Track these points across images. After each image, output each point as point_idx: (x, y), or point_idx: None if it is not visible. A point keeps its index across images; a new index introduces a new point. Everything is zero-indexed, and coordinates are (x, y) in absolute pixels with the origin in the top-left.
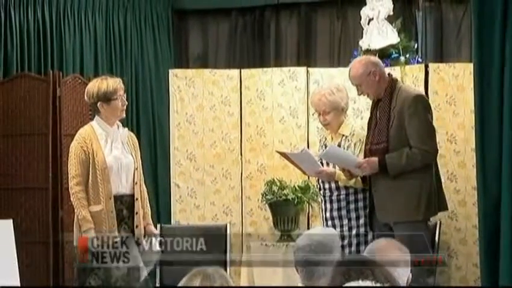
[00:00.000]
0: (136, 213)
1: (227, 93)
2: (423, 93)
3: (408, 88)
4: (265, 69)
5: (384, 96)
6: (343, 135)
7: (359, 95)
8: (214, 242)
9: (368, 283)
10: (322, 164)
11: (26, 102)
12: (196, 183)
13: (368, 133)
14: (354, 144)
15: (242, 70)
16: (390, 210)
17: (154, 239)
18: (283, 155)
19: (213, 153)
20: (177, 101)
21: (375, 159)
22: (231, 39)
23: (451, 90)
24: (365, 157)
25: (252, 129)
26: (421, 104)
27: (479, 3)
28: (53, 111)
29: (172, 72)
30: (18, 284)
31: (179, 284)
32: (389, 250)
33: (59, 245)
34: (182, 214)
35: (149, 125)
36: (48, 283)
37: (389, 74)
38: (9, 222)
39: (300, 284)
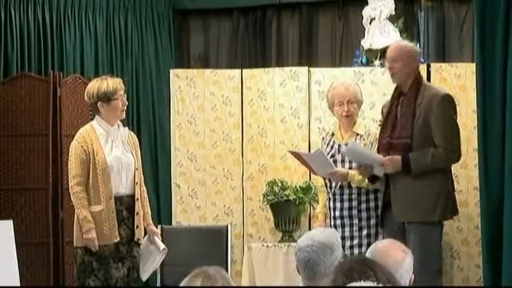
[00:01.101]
0: (137, 213)
1: (228, 93)
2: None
3: (435, 86)
4: (266, 69)
5: (410, 92)
6: (357, 134)
7: (388, 68)
8: (215, 242)
9: (369, 284)
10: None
11: (26, 103)
12: (197, 183)
13: (384, 126)
14: (371, 144)
15: (243, 70)
16: (407, 209)
17: (157, 238)
18: (296, 154)
19: (214, 154)
20: (178, 101)
21: (398, 157)
22: (232, 39)
23: (453, 90)
24: (378, 151)
25: (253, 129)
26: (449, 104)
27: (482, 3)
28: (53, 112)
29: (173, 72)
30: (19, 285)
31: (181, 285)
32: (391, 251)
33: (59, 245)
34: (183, 215)
35: (150, 125)
36: (49, 284)
37: (418, 71)
38: (9, 223)
39: (301, 285)
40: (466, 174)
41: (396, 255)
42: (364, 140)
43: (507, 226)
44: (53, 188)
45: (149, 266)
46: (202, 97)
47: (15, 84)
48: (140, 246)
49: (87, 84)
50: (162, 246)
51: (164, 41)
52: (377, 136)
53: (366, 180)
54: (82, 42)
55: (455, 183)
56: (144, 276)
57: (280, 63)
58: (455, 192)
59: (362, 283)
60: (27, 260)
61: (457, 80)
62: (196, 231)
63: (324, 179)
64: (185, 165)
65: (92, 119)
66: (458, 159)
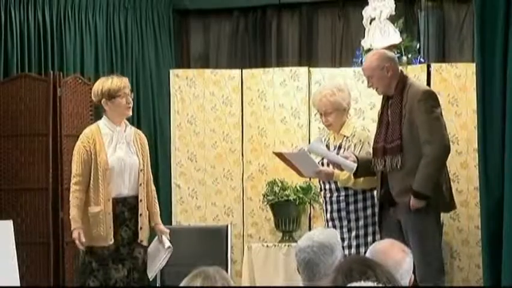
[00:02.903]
0: (140, 214)
1: (228, 93)
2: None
3: (418, 83)
4: (266, 69)
5: (396, 94)
6: (344, 135)
7: (368, 87)
8: (215, 242)
9: (369, 284)
10: (322, 164)
11: (26, 103)
12: (197, 183)
13: (378, 130)
14: (354, 145)
15: (243, 70)
16: (402, 205)
17: (164, 236)
18: (280, 155)
19: (214, 154)
20: (178, 101)
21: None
22: (232, 39)
23: (453, 91)
24: (373, 155)
25: (254, 129)
26: (430, 99)
27: (482, 3)
28: (53, 112)
29: (173, 72)
30: (18, 285)
31: (181, 285)
32: (391, 251)
33: (59, 245)
34: (183, 215)
35: (150, 125)
36: (49, 284)
37: (400, 70)
38: (9, 223)
39: (301, 285)
40: (466, 174)
41: (396, 255)
42: (349, 141)
43: (507, 226)
44: (53, 188)
45: (157, 264)
46: (202, 97)
47: (15, 84)
48: (150, 246)
49: (87, 84)
50: (167, 244)
51: (164, 41)
52: (361, 138)
53: (352, 180)
54: (82, 42)
55: (455, 183)
56: (149, 275)
57: (280, 63)
58: (451, 189)
59: (362, 283)
60: (27, 260)
61: (457, 80)
62: (196, 231)
63: (319, 181)
64: (185, 165)
65: (92, 119)
66: (448, 149)
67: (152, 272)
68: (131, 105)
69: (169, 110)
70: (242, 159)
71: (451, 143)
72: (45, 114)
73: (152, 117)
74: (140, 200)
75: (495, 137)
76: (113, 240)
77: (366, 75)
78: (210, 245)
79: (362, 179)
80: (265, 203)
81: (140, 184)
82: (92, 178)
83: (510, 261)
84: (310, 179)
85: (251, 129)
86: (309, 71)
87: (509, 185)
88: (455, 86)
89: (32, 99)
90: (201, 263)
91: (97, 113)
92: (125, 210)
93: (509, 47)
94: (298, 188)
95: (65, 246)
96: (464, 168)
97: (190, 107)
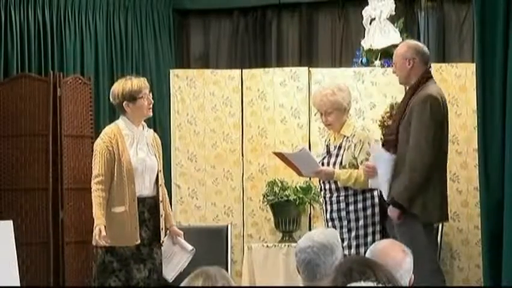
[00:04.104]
0: (161, 215)
1: (228, 93)
2: (437, 94)
3: (430, 88)
4: (266, 69)
5: (410, 90)
6: (344, 135)
7: (393, 72)
8: (215, 242)
9: (369, 284)
10: (323, 164)
11: (26, 103)
12: (197, 184)
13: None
14: (354, 145)
15: (243, 70)
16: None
17: (181, 239)
18: (280, 155)
19: (214, 154)
20: (178, 101)
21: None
22: (232, 39)
23: (453, 91)
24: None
25: (254, 129)
26: (428, 106)
27: (482, 3)
28: (53, 112)
29: (173, 72)
30: (19, 285)
31: (181, 285)
32: (391, 251)
33: (59, 245)
34: (183, 215)
35: (150, 125)
36: (49, 284)
37: (426, 71)
38: (9, 223)
39: (301, 285)
40: (466, 175)
41: (396, 256)
42: (349, 141)
43: (507, 226)
44: (53, 188)
45: (175, 266)
46: (202, 97)
47: (15, 84)
48: (162, 247)
49: (87, 84)
50: (190, 247)
51: (164, 41)
52: (361, 138)
53: (352, 180)
54: (82, 42)
55: (455, 183)
56: (169, 277)
57: (280, 64)
58: (446, 198)
59: (362, 283)
60: (27, 260)
61: (457, 80)
62: (196, 232)
63: (319, 181)
64: (185, 165)
65: (92, 119)
66: (432, 159)
67: (172, 273)
68: (151, 105)
69: (169, 110)
70: (242, 159)
71: (450, 143)
72: (45, 114)
73: (152, 117)
74: (161, 201)
75: (495, 137)
76: (139, 241)
77: (393, 60)
78: (210, 245)
79: (362, 178)
80: (266, 203)
81: (160, 185)
82: (115, 178)
83: (510, 261)
84: (310, 179)
85: (251, 129)
86: (309, 71)
87: (509, 185)
88: (455, 86)
89: (32, 99)
90: (201, 263)
91: (97, 113)
92: (145, 210)
93: (509, 47)
94: (298, 188)
95: (65, 246)
96: (464, 168)
97: (190, 107)
